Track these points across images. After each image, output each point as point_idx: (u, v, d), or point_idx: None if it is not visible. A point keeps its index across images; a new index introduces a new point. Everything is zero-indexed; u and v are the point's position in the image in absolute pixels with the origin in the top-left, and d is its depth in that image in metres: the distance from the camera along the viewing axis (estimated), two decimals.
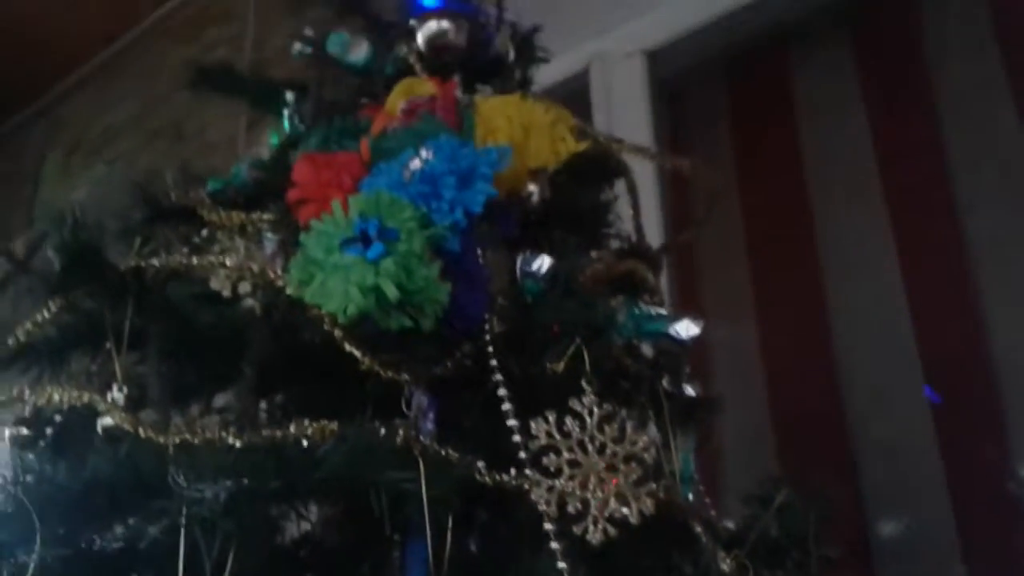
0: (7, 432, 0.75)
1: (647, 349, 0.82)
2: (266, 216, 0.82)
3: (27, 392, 0.71)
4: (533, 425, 0.64)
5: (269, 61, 2.55)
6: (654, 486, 0.63)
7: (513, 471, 0.64)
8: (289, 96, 0.98)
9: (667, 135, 1.88)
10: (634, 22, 1.88)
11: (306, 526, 0.75)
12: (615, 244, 0.95)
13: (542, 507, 0.62)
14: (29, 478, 0.58)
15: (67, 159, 3.30)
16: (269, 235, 0.81)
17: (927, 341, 1.47)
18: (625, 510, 0.62)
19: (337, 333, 0.68)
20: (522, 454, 0.64)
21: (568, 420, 0.64)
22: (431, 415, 0.71)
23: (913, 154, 1.60)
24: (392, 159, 0.72)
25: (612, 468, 0.63)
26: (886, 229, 1.58)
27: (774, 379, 1.60)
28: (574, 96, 1.83)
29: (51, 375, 0.76)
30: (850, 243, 1.62)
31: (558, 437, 0.63)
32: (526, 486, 0.63)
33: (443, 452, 0.63)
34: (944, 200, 1.54)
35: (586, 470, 0.63)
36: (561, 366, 0.65)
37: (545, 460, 0.63)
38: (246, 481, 0.56)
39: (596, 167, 0.93)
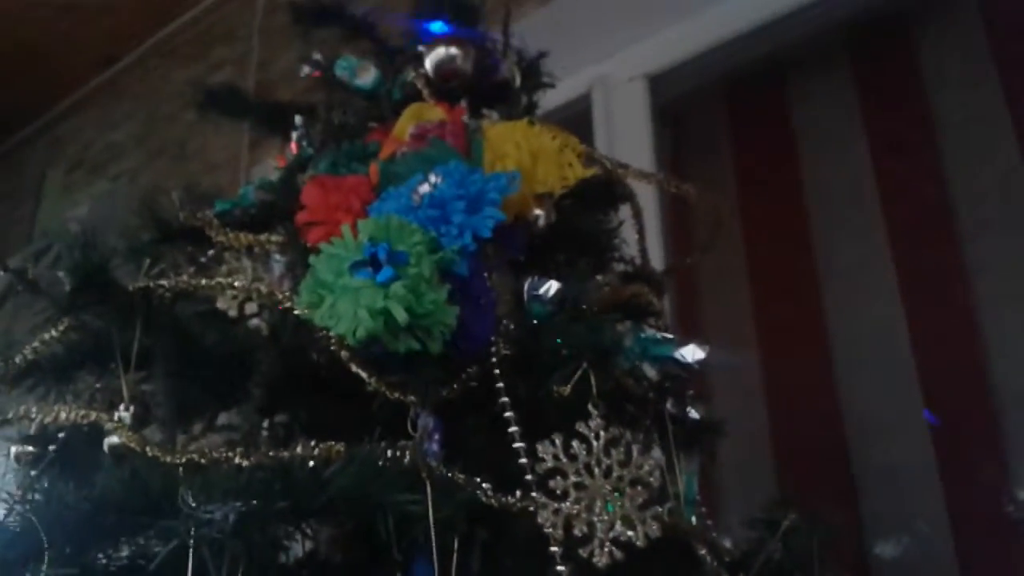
0: (12, 450, 0.75)
1: (650, 372, 0.82)
2: (274, 238, 0.82)
3: (34, 410, 0.71)
4: (540, 448, 0.64)
5: (274, 82, 2.57)
6: (660, 509, 0.64)
7: (519, 493, 0.64)
8: (298, 119, 0.99)
9: (668, 159, 1.89)
10: (636, 47, 1.90)
11: (311, 545, 0.75)
12: (619, 267, 0.96)
13: (548, 530, 0.62)
14: (38, 497, 0.58)
15: (68, 177, 3.31)
16: (277, 257, 0.81)
17: (927, 366, 1.48)
18: (631, 533, 0.62)
19: (344, 354, 0.69)
20: (528, 477, 0.64)
21: (575, 443, 0.64)
22: (437, 437, 0.71)
23: (913, 180, 1.61)
24: (401, 183, 0.73)
25: (618, 491, 0.63)
26: (886, 254, 1.59)
27: (774, 402, 1.61)
28: (576, 119, 1.85)
29: (57, 393, 0.77)
30: (850, 268, 1.63)
31: (564, 460, 0.63)
32: (532, 509, 0.63)
33: (450, 474, 0.64)
34: (944, 226, 1.55)
35: (592, 493, 0.63)
36: (568, 389, 0.66)
37: (551, 483, 0.63)
38: (254, 502, 0.56)
39: (602, 192, 0.94)
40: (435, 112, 0.86)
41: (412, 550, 0.66)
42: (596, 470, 0.63)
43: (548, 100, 1.12)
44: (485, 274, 0.75)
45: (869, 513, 1.46)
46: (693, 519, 0.76)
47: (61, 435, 0.79)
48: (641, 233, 0.97)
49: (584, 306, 0.73)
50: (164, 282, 0.72)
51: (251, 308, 0.82)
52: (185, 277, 0.74)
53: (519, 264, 0.82)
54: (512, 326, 0.73)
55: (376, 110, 1.00)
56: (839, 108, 1.76)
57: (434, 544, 0.60)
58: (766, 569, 0.68)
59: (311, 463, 0.63)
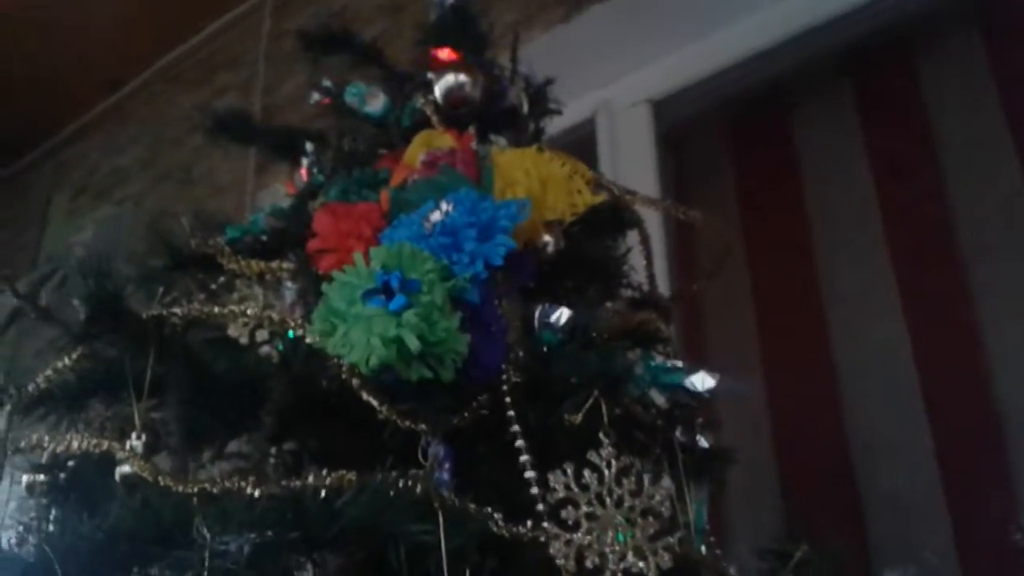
0: (24, 479, 0.75)
1: (659, 399, 0.83)
2: (285, 265, 0.83)
3: (46, 439, 0.71)
4: (551, 477, 0.64)
5: (279, 107, 2.59)
6: (671, 540, 0.64)
7: (530, 523, 0.64)
8: (308, 146, 1.00)
9: (672, 183, 1.90)
10: (639, 72, 1.91)
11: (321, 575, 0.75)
12: (627, 294, 0.97)
13: (560, 561, 0.61)
14: (52, 527, 0.58)
15: (73, 201, 3.32)
16: (289, 284, 0.82)
17: (932, 392, 1.48)
18: (642, 564, 0.62)
19: (355, 382, 0.69)
20: (540, 506, 0.64)
21: (586, 472, 0.64)
22: (447, 465, 0.71)
23: (916, 203, 1.62)
24: (413, 211, 0.74)
25: (630, 521, 0.63)
26: (889, 277, 1.59)
27: (779, 426, 1.60)
28: (580, 143, 1.86)
29: (69, 422, 0.77)
30: (854, 291, 1.63)
31: (576, 490, 0.63)
32: (543, 539, 0.63)
33: (462, 504, 0.63)
34: (947, 248, 1.55)
35: (604, 523, 0.63)
36: (579, 418, 0.66)
37: (563, 513, 0.63)
38: (268, 533, 0.56)
39: (609, 218, 0.95)
40: (445, 139, 0.86)
41: None
42: (608, 500, 0.63)
43: (553, 125, 1.13)
44: (495, 301, 0.75)
45: (875, 538, 1.45)
46: (703, 548, 0.76)
47: (71, 464, 0.79)
48: (649, 259, 0.97)
49: (594, 334, 0.73)
50: (177, 310, 0.73)
51: (262, 335, 0.82)
52: (197, 305, 0.74)
53: (528, 291, 0.82)
54: (522, 354, 0.74)
55: (385, 137, 1.00)
56: (841, 132, 1.77)
57: (446, 575, 0.59)
58: None
59: (323, 492, 0.63)
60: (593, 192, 0.86)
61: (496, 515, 0.65)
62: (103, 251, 2.81)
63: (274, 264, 0.83)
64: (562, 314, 0.73)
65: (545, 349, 0.73)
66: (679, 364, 0.74)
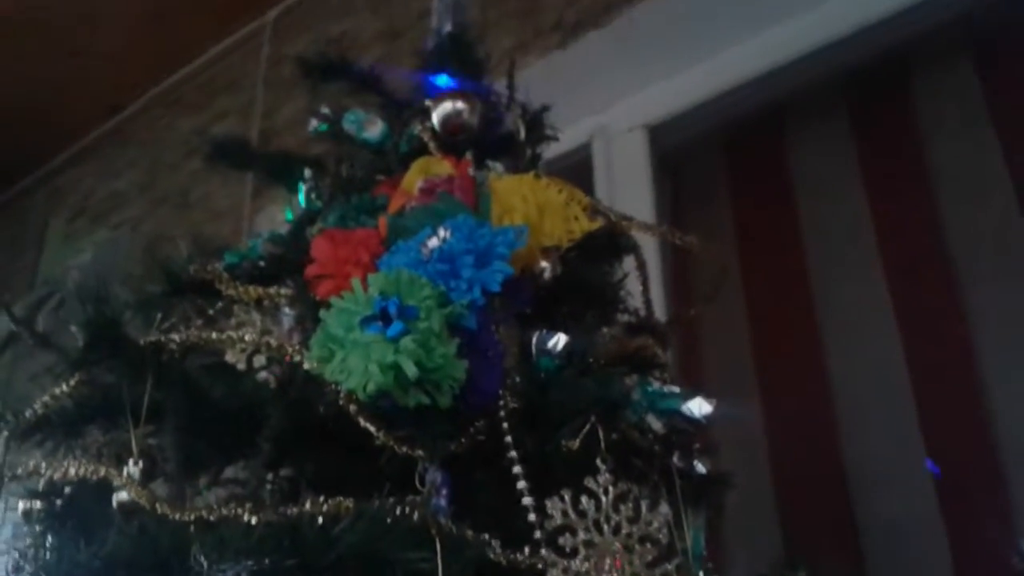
0: (21, 505, 0.75)
1: (655, 425, 0.83)
2: (283, 291, 0.83)
3: (43, 465, 0.71)
4: (549, 504, 0.64)
5: (277, 131, 2.60)
6: (669, 567, 0.63)
7: (528, 551, 0.64)
8: (307, 172, 1.00)
9: (668, 207, 1.91)
10: (635, 97, 1.92)
11: None
12: (623, 318, 0.97)
13: None
14: (48, 554, 0.58)
15: (70, 225, 3.33)
16: (287, 310, 0.82)
17: (928, 415, 1.48)
18: None
19: (352, 408, 0.69)
20: (537, 533, 0.64)
21: (583, 499, 0.64)
22: (445, 492, 0.71)
23: (911, 229, 1.62)
24: (410, 237, 0.74)
25: (628, 549, 0.63)
26: (886, 303, 1.59)
27: (777, 453, 1.60)
28: (577, 168, 1.87)
29: (66, 448, 0.77)
30: (850, 317, 1.64)
31: (574, 516, 0.63)
32: (541, 566, 0.63)
33: (459, 531, 0.63)
34: (943, 274, 1.56)
35: (602, 551, 0.63)
36: (577, 444, 0.66)
37: (561, 540, 0.63)
38: (265, 560, 0.56)
39: (606, 244, 0.95)
40: (443, 166, 0.87)
41: None
42: (605, 527, 0.63)
43: (550, 149, 1.13)
44: (493, 327, 0.75)
45: (873, 562, 1.45)
46: (701, 575, 0.76)
47: (68, 490, 0.79)
48: (645, 284, 0.98)
49: (592, 359, 0.74)
50: (175, 336, 0.73)
51: (259, 361, 0.83)
52: (195, 331, 0.74)
53: (525, 316, 0.82)
54: (519, 380, 0.74)
55: (383, 163, 1.01)
56: (836, 156, 1.78)
57: None
58: None
59: (320, 519, 0.63)
60: (590, 218, 0.86)
61: (494, 542, 0.64)
62: (100, 274, 2.82)
63: (272, 290, 0.84)
64: (559, 340, 0.73)
65: (542, 375, 0.73)
66: (676, 390, 0.74)
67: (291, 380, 0.78)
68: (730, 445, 1.60)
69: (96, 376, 0.74)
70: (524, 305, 0.81)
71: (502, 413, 0.71)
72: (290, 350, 0.74)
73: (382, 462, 0.71)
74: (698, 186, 1.98)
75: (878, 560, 1.44)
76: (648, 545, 0.64)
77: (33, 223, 3.49)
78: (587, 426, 0.66)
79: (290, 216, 1.03)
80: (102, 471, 0.69)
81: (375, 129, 1.01)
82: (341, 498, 0.64)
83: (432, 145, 0.96)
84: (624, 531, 0.63)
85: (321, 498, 0.64)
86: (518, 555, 0.64)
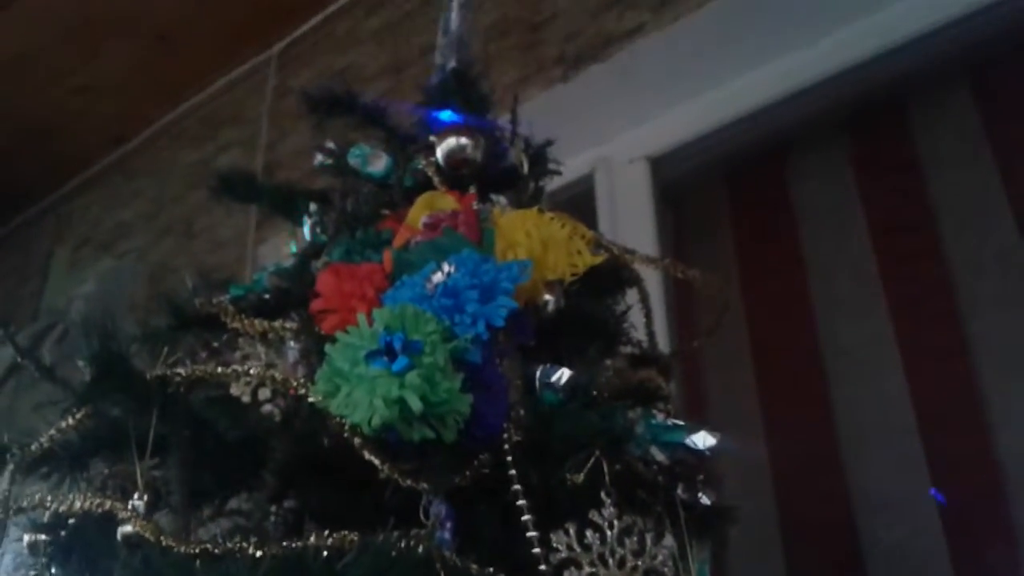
0: (25, 538, 0.75)
1: (659, 456, 0.83)
2: (288, 324, 0.83)
3: (48, 498, 0.71)
4: (553, 537, 0.64)
5: (282, 164, 2.62)
6: None
7: None
8: (312, 206, 1.01)
9: (670, 238, 1.92)
10: (637, 129, 1.94)
11: None
12: (626, 350, 0.97)
13: None
14: None
15: (75, 254, 3.34)
16: (292, 343, 0.83)
17: (933, 445, 1.48)
18: None
19: (356, 441, 0.69)
20: (542, 567, 0.64)
21: (588, 532, 0.64)
22: (449, 525, 0.71)
23: (913, 259, 1.63)
24: (415, 272, 0.75)
25: None
26: (888, 332, 1.60)
27: (781, 484, 1.60)
28: (579, 199, 1.88)
29: (71, 481, 0.77)
30: (853, 347, 1.64)
31: (579, 550, 0.63)
32: None
33: (464, 564, 0.63)
34: (945, 303, 1.56)
35: None
36: (581, 477, 0.66)
37: (566, 574, 0.63)
38: None
39: (609, 276, 0.96)
40: (447, 201, 0.88)
41: None
42: (610, 560, 0.63)
43: (552, 180, 1.14)
44: (496, 361, 0.76)
45: None
46: None
47: (72, 523, 0.79)
48: (649, 317, 0.98)
49: (595, 392, 0.74)
50: (180, 370, 0.73)
51: (264, 394, 0.83)
52: (200, 364, 0.75)
53: (528, 350, 0.83)
54: (523, 413, 0.74)
55: (387, 197, 1.02)
56: (838, 187, 1.79)
57: None
58: None
59: (324, 553, 0.63)
60: (593, 252, 0.87)
61: (499, 575, 0.64)
62: (104, 304, 2.82)
63: (277, 323, 0.84)
64: (563, 374, 0.73)
65: (546, 409, 0.73)
66: (680, 423, 0.75)
67: (296, 413, 0.78)
68: (734, 476, 1.61)
69: (102, 409, 0.75)
70: (527, 338, 0.82)
71: (506, 446, 0.71)
72: (295, 383, 0.74)
73: (386, 495, 0.71)
74: (700, 217, 2.00)
75: None
76: None
77: (37, 252, 3.51)
78: (591, 459, 0.66)
79: (294, 249, 1.04)
80: (107, 504, 0.69)
81: (380, 163, 1.02)
82: (345, 532, 0.64)
83: (436, 180, 0.97)
84: (629, 564, 0.63)
85: (325, 531, 0.64)
86: None
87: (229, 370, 0.75)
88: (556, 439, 0.70)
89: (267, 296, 0.93)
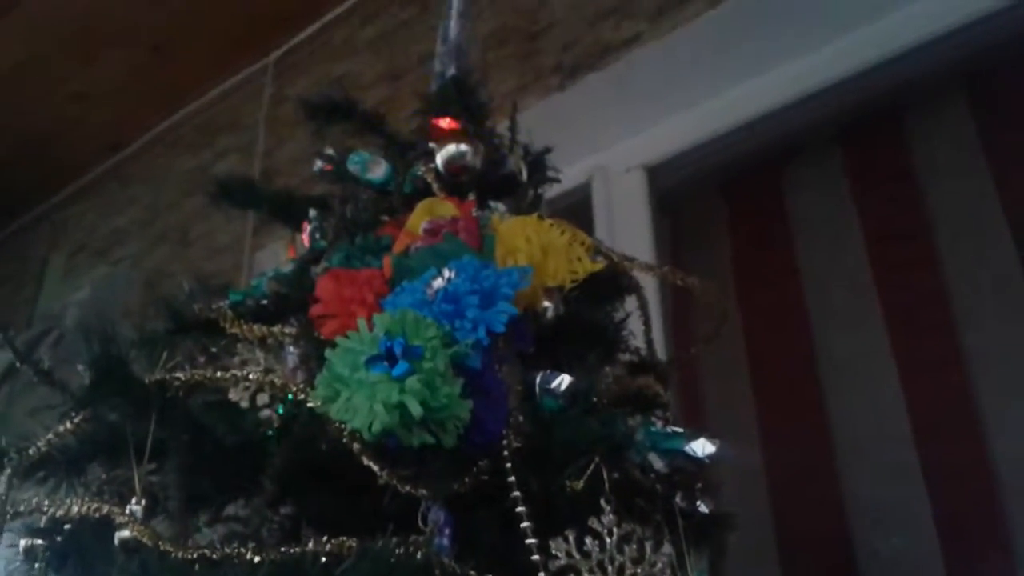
0: (22, 543, 0.75)
1: (658, 464, 0.83)
2: (287, 330, 0.83)
3: (45, 503, 0.71)
4: (553, 544, 0.64)
5: (279, 171, 2.62)
6: None
7: None
8: (312, 212, 1.01)
9: (666, 247, 1.92)
10: (634, 138, 1.94)
11: None
12: (624, 358, 0.97)
13: None
14: None
15: (70, 261, 3.34)
16: (291, 348, 0.82)
17: (928, 454, 1.48)
18: None
19: (355, 447, 0.69)
20: (541, 574, 0.64)
21: (588, 539, 0.64)
22: (447, 531, 0.71)
23: (908, 270, 1.64)
24: (415, 278, 0.75)
25: None
26: (884, 343, 1.60)
27: (777, 493, 1.60)
28: (576, 208, 1.88)
29: (68, 486, 0.77)
30: (849, 357, 1.64)
31: (578, 557, 0.63)
32: None
33: (463, 571, 0.63)
34: (941, 315, 1.57)
35: None
36: (581, 484, 0.66)
37: None
38: None
39: (608, 284, 0.96)
40: (447, 207, 0.88)
41: None
42: (609, 568, 0.63)
43: (550, 189, 1.15)
44: (496, 367, 0.76)
45: None
46: None
47: (68, 528, 0.79)
48: (647, 324, 0.98)
49: (595, 399, 0.74)
50: (180, 375, 0.73)
51: (262, 399, 0.83)
52: (199, 369, 0.75)
53: (527, 356, 0.83)
54: (522, 419, 0.74)
55: (386, 203, 1.02)
56: (834, 197, 1.80)
57: None
58: None
59: (323, 559, 0.63)
60: (592, 259, 0.87)
61: None
62: (99, 311, 2.82)
63: (276, 328, 0.84)
64: (563, 380, 0.73)
65: (546, 415, 0.73)
66: (680, 430, 0.75)
67: (294, 418, 0.78)
68: (730, 485, 1.61)
69: (100, 413, 0.74)
70: (527, 345, 0.82)
71: (505, 453, 0.71)
72: (294, 389, 0.74)
73: (384, 501, 0.71)
74: (696, 227, 2.00)
75: None
76: None
77: (33, 259, 3.50)
78: (592, 466, 0.66)
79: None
80: (105, 509, 0.68)
81: (379, 170, 1.03)
82: (344, 538, 0.64)
83: (435, 186, 0.97)
84: (628, 572, 0.63)
85: (324, 537, 0.64)
86: None
87: (228, 375, 0.75)
88: (556, 445, 0.70)
89: (265, 302, 0.93)
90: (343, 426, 0.68)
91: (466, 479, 0.71)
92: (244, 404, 0.83)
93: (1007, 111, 1.64)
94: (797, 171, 1.88)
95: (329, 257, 0.90)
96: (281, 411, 0.80)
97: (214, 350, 0.90)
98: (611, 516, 0.65)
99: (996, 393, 1.47)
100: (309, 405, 0.71)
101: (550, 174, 1.09)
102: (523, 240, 0.80)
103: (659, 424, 0.81)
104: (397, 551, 0.63)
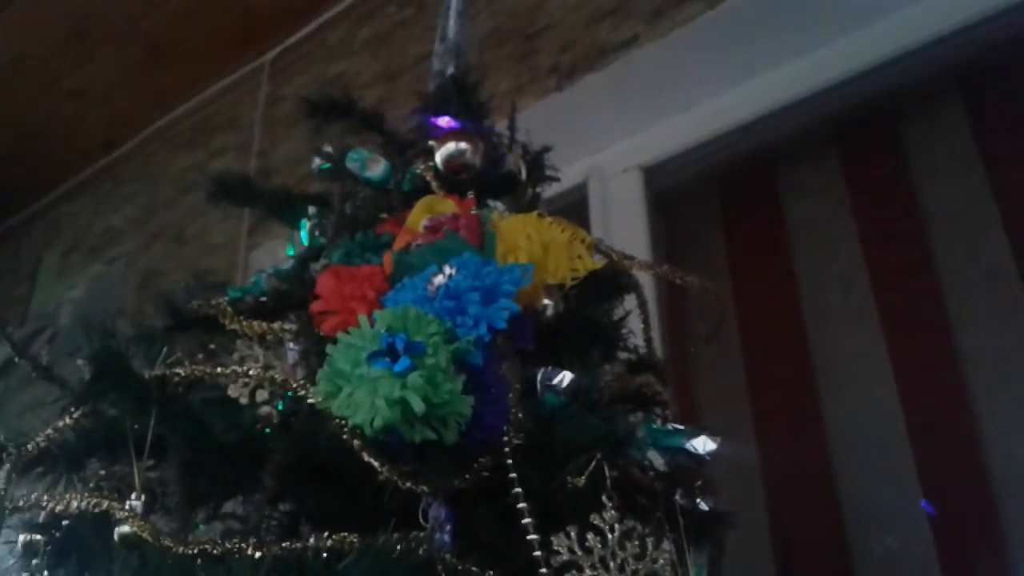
0: (20, 539, 0.75)
1: (657, 462, 0.83)
2: (287, 326, 0.83)
3: (44, 498, 0.71)
4: (555, 540, 0.64)
5: (274, 169, 2.62)
6: None
7: None
8: (311, 209, 1.01)
9: (662, 247, 1.93)
10: (630, 139, 1.95)
11: None
12: (623, 356, 0.97)
13: None
14: None
15: (65, 259, 3.33)
16: (291, 345, 0.82)
17: (923, 456, 1.48)
18: None
19: (356, 443, 0.69)
20: (543, 570, 0.64)
21: (589, 536, 0.64)
22: (448, 528, 0.71)
23: (904, 271, 1.64)
24: (416, 274, 0.75)
25: None
26: (880, 344, 1.60)
27: (772, 494, 1.60)
28: (572, 208, 1.88)
29: (67, 481, 0.77)
30: (844, 357, 1.64)
31: (580, 553, 0.63)
32: None
33: (464, 567, 0.63)
34: (936, 316, 1.57)
35: None
36: (583, 480, 0.66)
37: None
38: None
39: (607, 282, 0.96)
40: (447, 205, 0.88)
41: None
42: (611, 564, 0.63)
43: (546, 189, 1.15)
44: (496, 364, 0.76)
45: None
46: None
47: (66, 523, 0.78)
48: (647, 323, 0.98)
49: (596, 396, 0.74)
50: (179, 370, 0.73)
51: (262, 395, 0.83)
52: (201, 365, 0.75)
53: (527, 353, 0.83)
54: (522, 416, 0.74)
55: (385, 201, 1.02)
56: (829, 200, 1.80)
57: None
58: None
59: (324, 555, 0.63)
60: (592, 257, 0.87)
61: None
62: (93, 309, 2.81)
63: (276, 325, 0.84)
64: (564, 377, 0.73)
65: (547, 412, 0.73)
66: (680, 427, 0.75)
67: (294, 415, 0.78)
68: (726, 485, 1.61)
69: (99, 409, 0.74)
70: (526, 342, 0.82)
71: (506, 449, 0.71)
72: (294, 385, 0.74)
73: (385, 498, 0.71)
74: (692, 226, 2.00)
75: None
76: None
77: (27, 257, 3.49)
78: (593, 463, 0.66)
79: (291, 252, 1.04)
80: (104, 504, 0.68)
81: (378, 168, 1.03)
82: (345, 534, 0.64)
83: (435, 184, 0.97)
84: (630, 568, 0.63)
85: (325, 533, 0.64)
86: None
87: (228, 370, 0.75)
88: (558, 442, 0.70)
89: (264, 298, 0.93)
90: (344, 422, 0.67)
91: (467, 475, 0.71)
92: (243, 400, 0.83)
93: (1001, 114, 1.65)
94: (793, 173, 1.88)
95: (329, 254, 0.90)
96: (281, 407, 0.80)
97: (212, 346, 0.90)
98: (613, 512, 0.65)
99: (990, 394, 1.47)
100: (309, 401, 0.71)
101: (549, 173, 1.09)
102: (524, 238, 0.80)
103: (659, 422, 0.81)
104: (398, 547, 0.63)
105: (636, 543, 0.65)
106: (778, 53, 1.79)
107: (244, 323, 0.85)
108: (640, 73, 2.00)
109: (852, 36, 1.72)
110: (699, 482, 0.81)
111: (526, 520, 0.66)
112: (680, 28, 1.97)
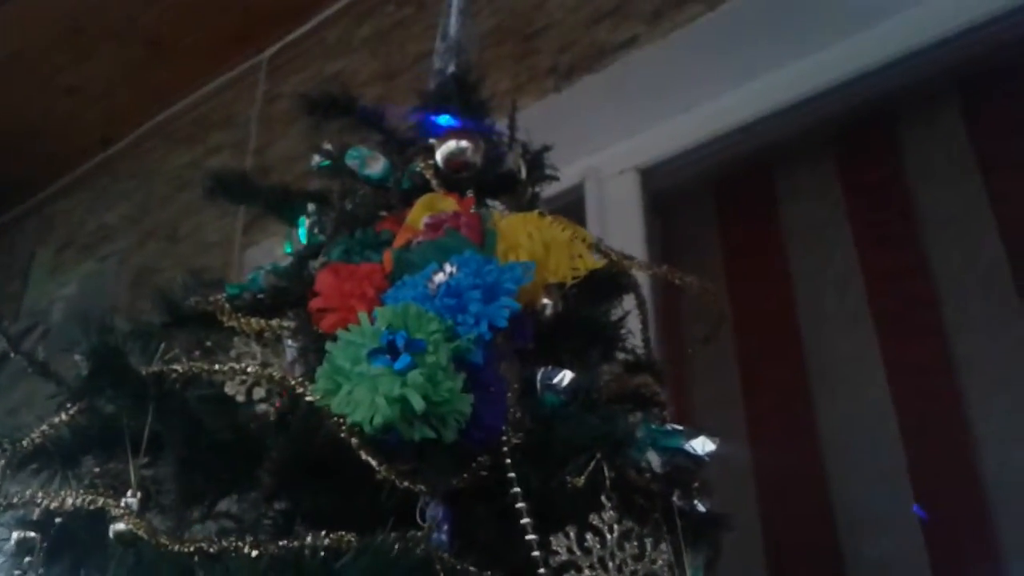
0: (14, 536, 0.74)
1: (655, 462, 0.82)
2: (285, 323, 0.83)
3: (39, 495, 0.70)
4: (554, 540, 0.64)
5: (271, 167, 2.61)
6: None
7: None
8: (310, 207, 1.01)
9: (659, 249, 1.93)
10: (627, 141, 1.95)
11: None
12: (621, 356, 0.97)
13: None
14: None
15: (58, 256, 3.31)
16: (290, 342, 0.82)
17: (917, 460, 1.48)
18: None
19: (354, 441, 0.69)
20: (542, 570, 0.63)
21: (588, 536, 0.64)
22: (446, 527, 0.71)
23: (899, 275, 1.64)
24: (416, 272, 0.75)
25: None
26: (874, 348, 1.61)
27: (765, 496, 1.60)
28: (570, 209, 1.88)
29: (62, 478, 0.76)
30: (839, 362, 1.65)
31: (579, 553, 0.63)
32: None
33: (462, 567, 0.63)
34: (931, 320, 1.57)
35: None
36: (582, 480, 0.66)
37: None
38: None
39: (606, 282, 0.96)
40: (448, 203, 0.88)
41: None
42: (610, 564, 0.63)
43: (544, 189, 1.15)
44: (496, 362, 0.76)
45: None
46: None
47: (59, 520, 0.78)
48: (645, 323, 0.98)
49: (595, 396, 0.74)
50: (177, 367, 0.72)
51: (259, 393, 0.82)
52: (198, 363, 0.74)
53: (526, 352, 0.82)
54: (521, 415, 0.74)
55: (384, 199, 1.02)
56: (826, 203, 1.80)
57: None
58: None
59: (322, 553, 0.63)
60: (593, 257, 0.87)
61: None
62: (86, 307, 2.79)
63: (274, 322, 0.84)
64: (564, 376, 0.73)
65: (547, 411, 0.73)
66: (679, 427, 0.75)
67: (291, 412, 0.78)
68: (719, 487, 1.61)
69: (95, 406, 0.74)
70: (526, 341, 0.82)
71: (505, 448, 0.71)
72: (292, 382, 0.73)
73: (383, 496, 0.71)
74: (689, 228, 2.00)
75: None
76: None
77: (20, 253, 3.47)
78: (592, 463, 0.66)
79: (289, 249, 1.03)
80: (100, 501, 0.68)
81: (377, 166, 1.02)
82: (343, 533, 0.64)
83: (434, 182, 0.97)
84: (629, 569, 0.63)
85: (323, 532, 0.64)
86: None
87: (226, 368, 0.75)
88: (557, 442, 0.70)
89: (262, 295, 0.92)
90: (342, 420, 0.67)
91: (465, 475, 0.71)
92: (240, 398, 0.82)
93: (998, 118, 1.65)
94: (789, 176, 1.88)
95: (328, 251, 0.89)
96: (275, 406, 0.79)
97: (209, 343, 0.89)
98: (612, 513, 0.65)
99: (984, 398, 1.48)
100: (307, 399, 0.71)
101: (548, 172, 1.09)
102: (525, 236, 0.80)
103: (657, 422, 0.81)
104: (396, 546, 0.63)
105: (635, 544, 0.64)
106: (777, 55, 1.79)
107: (242, 320, 0.84)
108: (638, 74, 2.00)
109: (850, 39, 1.72)
110: (696, 484, 0.81)
111: (525, 520, 0.66)
112: (679, 29, 1.98)
